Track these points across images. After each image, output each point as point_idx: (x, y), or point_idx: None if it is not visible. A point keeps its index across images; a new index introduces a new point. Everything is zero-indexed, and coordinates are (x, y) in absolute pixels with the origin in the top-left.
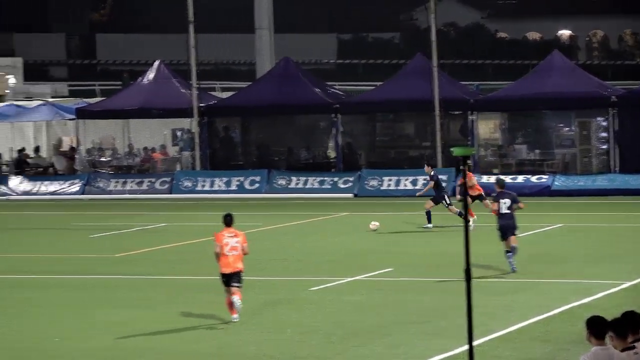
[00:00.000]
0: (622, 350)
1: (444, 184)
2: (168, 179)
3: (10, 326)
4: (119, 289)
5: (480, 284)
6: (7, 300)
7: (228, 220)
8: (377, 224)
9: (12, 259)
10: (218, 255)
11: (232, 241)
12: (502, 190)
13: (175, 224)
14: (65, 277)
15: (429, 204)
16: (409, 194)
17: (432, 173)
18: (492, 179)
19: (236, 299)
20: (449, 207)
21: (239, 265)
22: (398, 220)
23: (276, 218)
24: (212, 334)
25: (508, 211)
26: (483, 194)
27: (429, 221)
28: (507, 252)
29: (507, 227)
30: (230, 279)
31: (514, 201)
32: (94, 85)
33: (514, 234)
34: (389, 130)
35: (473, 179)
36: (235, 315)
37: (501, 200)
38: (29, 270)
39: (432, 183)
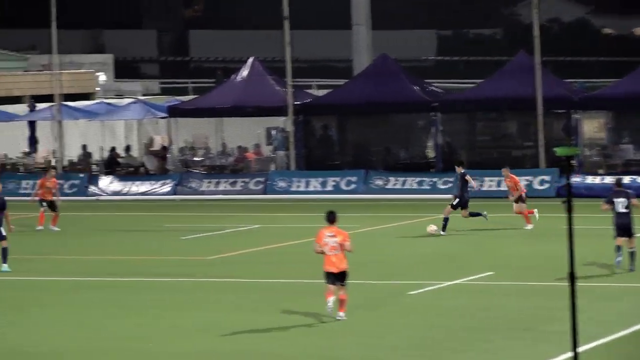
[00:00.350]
0: None
1: (542, 186)
2: (262, 179)
3: (99, 328)
4: (211, 292)
5: (586, 288)
6: (97, 303)
7: (330, 218)
8: (435, 227)
9: (102, 261)
10: (320, 253)
11: (331, 241)
12: (618, 189)
13: (269, 226)
14: (157, 280)
15: (464, 212)
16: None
17: (462, 171)
18: (597, 179)
19: (342, 315)
20: (451, 207)
21: (344, 265)
22: (499, 222)
23: (373, 219)
24: (306, 337)
25: (625, 210)
26: (524, 195)
27: (482, 214)
28: (618, 248)
29: (623, 226)
30: (334, 279)
31: (629, 199)
32: (187, 82)
33: (631, 235)
34: (490, 129)
35: (516, 180)
36: (331, 298)
37: (616, 200)
38: (119, 272)
39: (469, 178)
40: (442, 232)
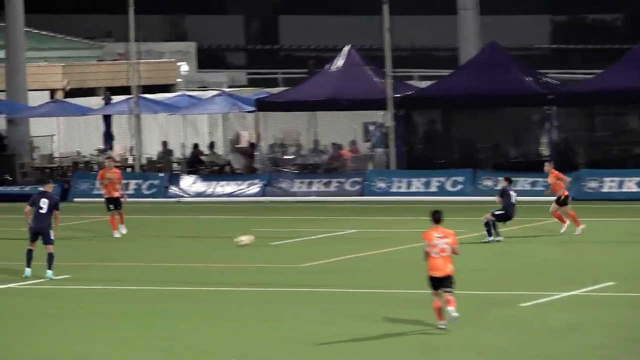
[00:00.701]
0: None
1: None
2: (359, 180)
3: (178, 340)
4: (302, 302)
5: None
6: (177, 313)
7: (437, 217)
8: (246, 240)
9: (183, 269)
10: (427, 255)
11: (440, 242)
12: None
13: (367, 230)
14: (244, 289)
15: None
16: (635, 198)
17: (505, 186)
18: None
19: (452, 310)
20: (493, 215)
21: (449, 268)
22: (621, 228)
23: (482, 224)
24: (405, 351)
25: None
26: (562, 197)
27: (489, 234)
28: None
29: None
30: (440, 283)
31: None
32: (276, 73)
33: None
34: (611, 124)
35: (560, 176)
36: (442, 322)
37: None
38: (205, 281)
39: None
40: (489, 238)
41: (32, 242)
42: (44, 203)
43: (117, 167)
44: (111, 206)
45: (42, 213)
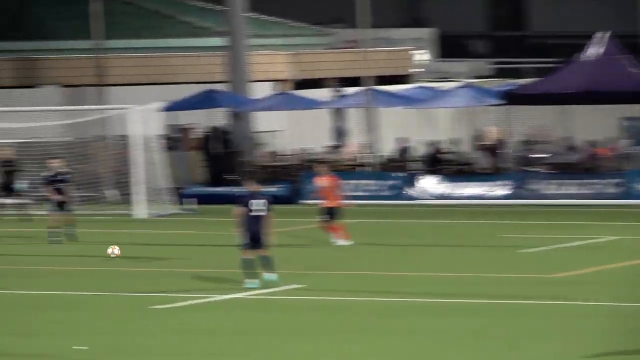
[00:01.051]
0: None
1: None
2: (619, 181)
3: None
4: (556, 317)
5: None
6: (416, 329)
7: None
8: (116, 250)
9: (423, 279)
10: None
11: None
12: None
13: (628, 238)
14: (486, 302)
15: None
16: None
17: None
18: None
19: None
20: None
21: None
22: None
23: None
24: None
25: None
26: None
27: None
28: None
29: None
30: None
31: None
32: (525, 63)
33: None
34: None
35: None
36: None
37: None
38: (440, 292)
39: None
40: None
41: (247, 250)
42: (257, 204)
43: (347, 165)
44: (326, 217)
45: (255, 216)
